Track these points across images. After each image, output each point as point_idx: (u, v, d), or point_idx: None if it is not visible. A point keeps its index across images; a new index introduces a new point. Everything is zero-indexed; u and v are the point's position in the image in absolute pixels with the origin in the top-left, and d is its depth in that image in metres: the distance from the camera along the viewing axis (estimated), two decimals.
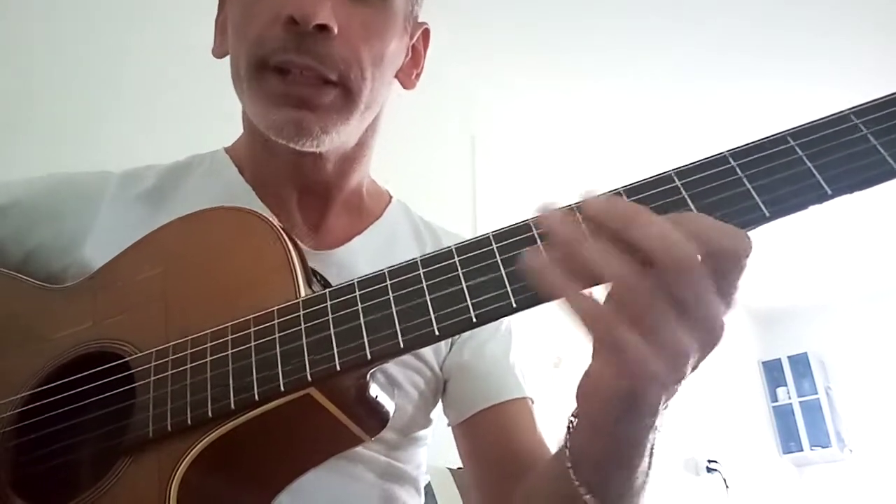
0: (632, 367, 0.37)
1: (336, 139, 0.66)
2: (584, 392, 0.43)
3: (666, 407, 0.43)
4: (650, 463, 0.47)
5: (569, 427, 0.47)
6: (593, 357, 0.41)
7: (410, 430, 0.72)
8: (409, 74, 0.77)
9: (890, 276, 4.97)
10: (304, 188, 0.72)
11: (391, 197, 0.82)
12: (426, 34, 0.78)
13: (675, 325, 0.37)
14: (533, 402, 0.74)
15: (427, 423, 0.74)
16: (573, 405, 0.45)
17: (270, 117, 0.64)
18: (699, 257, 0.37)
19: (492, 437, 0.71)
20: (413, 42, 0.75)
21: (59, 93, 2.47)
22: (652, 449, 0.46)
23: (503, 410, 0.71)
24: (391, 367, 0.64)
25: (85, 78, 2.45)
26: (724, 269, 0.38)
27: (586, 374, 0.42)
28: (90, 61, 2.41)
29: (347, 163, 0.73)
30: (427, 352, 0.71)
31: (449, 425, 0.74)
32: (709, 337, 0.39)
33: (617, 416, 0.42)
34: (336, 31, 0.61)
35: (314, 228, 0.73)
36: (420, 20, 0.76)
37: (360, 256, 0.71)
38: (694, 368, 0.40)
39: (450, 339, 0.73)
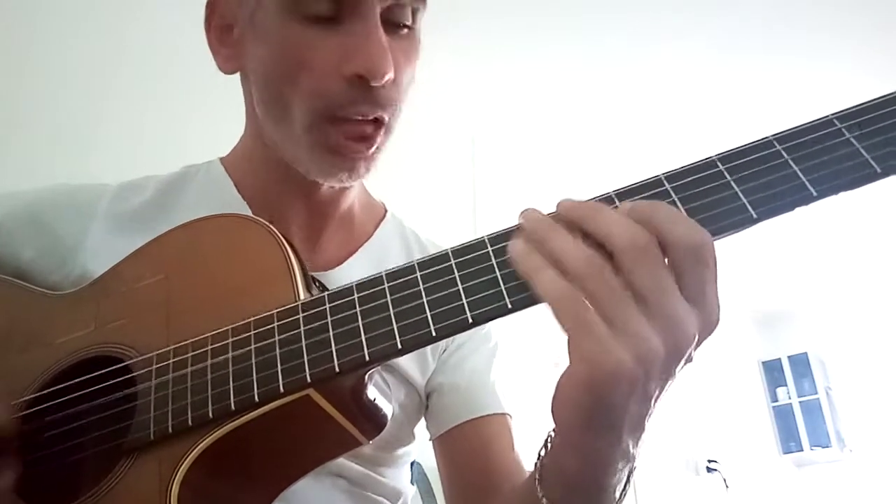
0: (594, 353, 0.38)
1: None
2: (555, 398, 0.42)
3: (638, 430, 0.42)
4: (622, 493, 0.46)
5: (546, 442, 0.47)
6: (568, 357, 0.41)
7: (393, 447, 0.72)
8: None
9: (890, 276, 4.97)
10: (305, 207, 0.71)
11: (385, 211, 0.82)
12: None
13: (636, 315, 0.38)
14: (511, 419, 0.73)
15: (410, 439, 0.74)
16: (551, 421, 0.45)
17: (326, 166, 0.65)
18: (655, 245, 0.39)
19: (467, 451, 0.71)
20: None
21: (50, 98, 2.47)
22: (625, 485, 0.45)
23: (480, 426, 0.71)
24: None
25: (76, 84, 2.45)
26: (683, 261, 0.39)
27: (560, 378, 0.41)
28: (82, 67, 2.41)
29: None
30: (413, 369, 0.71)
31: (430, 439, 0.75)
32: (672, 337, 0.38)
33: (585, 422, 0.41)
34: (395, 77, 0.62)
35: (310, 249, 0.72)
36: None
37: (352, 278, 0.71)
38: (664, 378, 0.40)
39: (437, 357, 0.74)
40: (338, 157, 0.64)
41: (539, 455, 0.48)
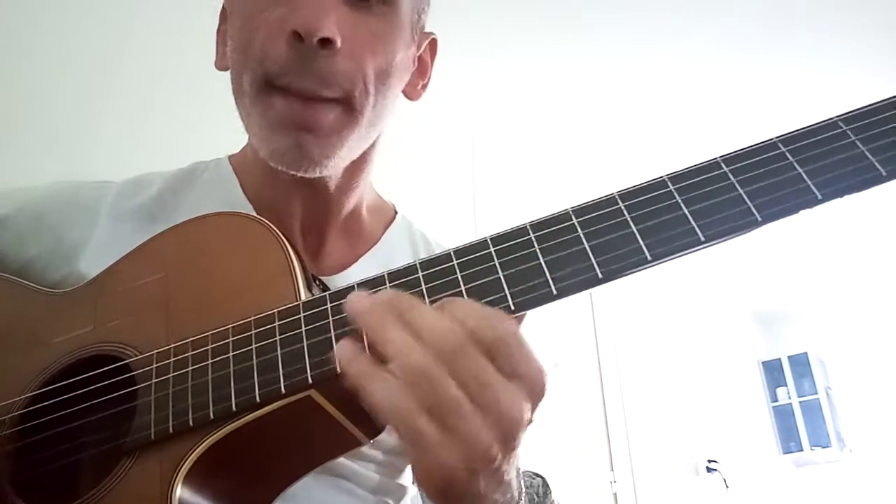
0: (428, 463, 0.38)
1: (339, 163, 0.64)
2: (417, 483, 0.41)
3: (500, 484, 0.41)
4: None
5: None
6: (405, 451, 0.40)
7: (399, 450, 0.71)
8: (414, 86, 0.74)
9: (890, 276, 4.97)
10: (306, 209, 0.70)
11: (395, 213, 0.80)
12: (433, 44, 0.76)
13: (463, 416, 0.37)
14: None
15: None
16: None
17: (271, 145, 0.61)
18: (468, 340, 0.38)
19: None
20: (420, 53, 0.73)
21: (51, 98, 2.47)
22: None
23: None
24: None
25: (77, 83, 2.45)
26: (490, 348, 0.39)
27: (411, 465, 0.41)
28: (82, 66, 2.41)
29: (349, 179, 0.70)
30: None
31: None
32: (502, 424, 0.38)
33: (446, 502, 0.40)
34: (339, 44, 0.58)
35: (314, 253, 0.71)
36: (426, 30, 0.74)
37: None
38: (507, 452, 0.39)
39: None
40: (283, 135, 0.60)
41: None
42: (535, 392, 0.40)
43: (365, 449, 0.53)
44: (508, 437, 0.38)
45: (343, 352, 0.41)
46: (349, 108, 0.61)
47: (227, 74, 0.73)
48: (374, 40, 0.62)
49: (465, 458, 0.37)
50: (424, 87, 0.76)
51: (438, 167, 3.18)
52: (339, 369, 0.40)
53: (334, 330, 0.46)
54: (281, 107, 0.60)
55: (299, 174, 0.63)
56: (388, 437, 0.52)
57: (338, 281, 0.69)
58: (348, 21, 0.60)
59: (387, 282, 0.47)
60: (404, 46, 0.67)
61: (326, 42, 0.57)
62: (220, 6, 0.72)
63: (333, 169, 0.64)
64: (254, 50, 0.60)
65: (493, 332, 0.39)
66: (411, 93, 0.74)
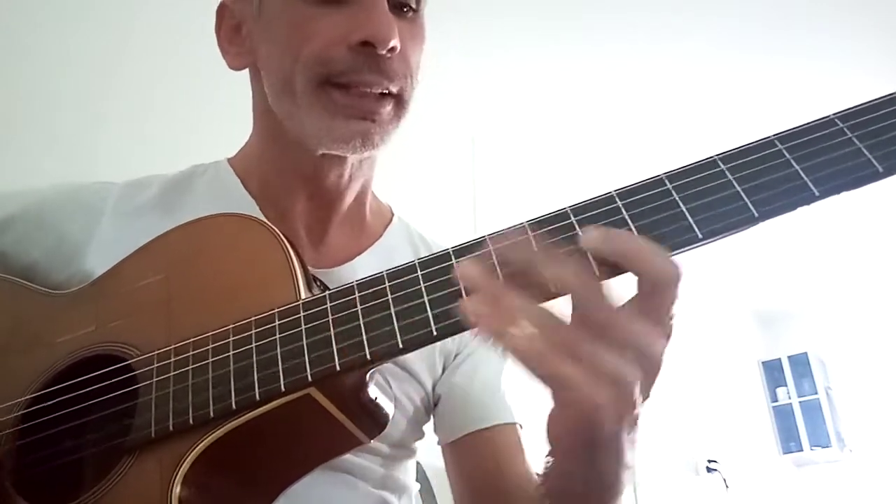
0: (575, 400, 0.38)
1: (387, 145, 0.68)
2: (549, 436, 0.43)
3: (632, 442, 0.42)
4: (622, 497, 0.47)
5: (545, 466, 0.47)
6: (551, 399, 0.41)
7: (405, 443, 0.73)
8: None
9: (890, 276, 4.97)
10: (310, 203, 0.72)
11: (393, 214, 0.82)
12: None
13: (605, 353, 0.38)
14: (522, 428, 0.74)
15: (420, 435, 0.75)
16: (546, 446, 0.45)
17: (337, 130, 0.65)
18: (598, 283, 0.39)
19: (477, 461, 0.71)
20: None
21: (51, 98, 2.47)
22: (624, 487, 0.46)
23: (490, 435, 0.71)
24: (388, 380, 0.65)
25: (77, 83, 2.45)
26: (646, 289, 0.40)
27: (548, 416, 0.42)
28: (82, 66, 2.41)
29: (357, 165, 0.72)
30: (422, 370, 0.72)
31: (439, 444, 0.75)
32: (644, 362, 0.39)
33: (580, 457, 0.41)
34: (399, 49, 0.64)
35: (316, 244, 0.73)
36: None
37: (360, 277, 0.71)
38: (646, 397, 0.41)
39: (444, 361, 0.74)
40: (349, 122, 0.65)
41: (541, 480, 0.48)
42: (668, 340, 0.41)
43: (371, 443, 0.53)
44: (650, 375, 0.39)
45: (473, 306, 0.40)
46: (400, 100, 0.67)
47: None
48: (413, 42, 0.68)
49: (611, 394, 0.38)
50: None
51: (438, 167, 3.18)
52: (471, 321, 0.40)
53: (334, 329, 0.46)
54: (342, 97, 0.64)
55: (358, 156, 0.69)
56: (391, 430, 0.53)
57: (341, 273, 0.70)
58: (398, 27, 0.65)
59: (386, 281, 0.47)
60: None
61: (393, 49, 0.63)
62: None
63: (382, 150, 0.69)
64: (309, 53, 0.64)
65: (656, 271, 0.40)
66: None
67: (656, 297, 0.40)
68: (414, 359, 0.70)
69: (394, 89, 0.66)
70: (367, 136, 0.65)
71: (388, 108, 0.66)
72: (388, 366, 0.54)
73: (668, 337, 0.41)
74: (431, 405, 0.74)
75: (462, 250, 0.46)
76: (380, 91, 0.65)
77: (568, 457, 0.43)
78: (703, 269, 4.57)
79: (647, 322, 0.40)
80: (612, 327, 0.39)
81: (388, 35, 0.62)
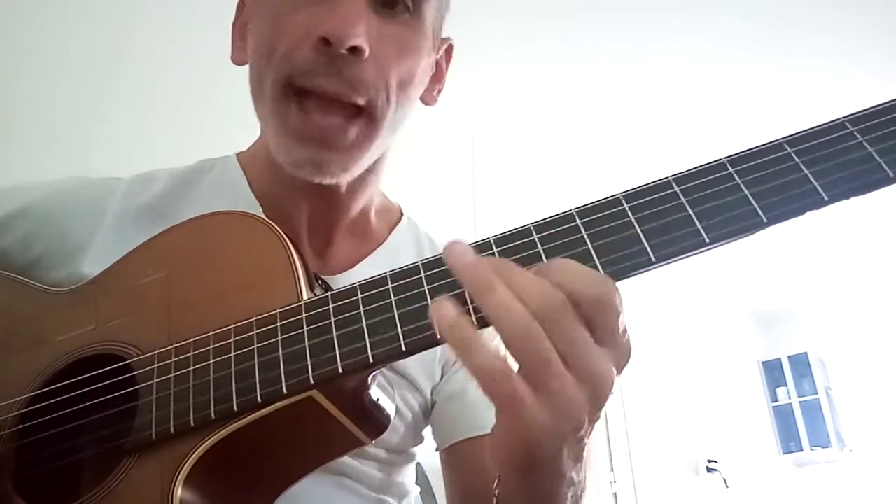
0: (519, 420, 0.38)
1: (357, 171, 0.64)
2: (493, 450, 0.43)
3: (578, 461, 0.42)
4: None
5: (494, 494, 0.47)
6: (496, 417, 0.41)
7: (404, 449, 0.72)
8: (431, 91, 0.74)
9: (890, 276, 4.97)
10: (314, 210, 0.70)
11: (402, 214, 0.80)
12: (450, 49, 0.76)
13: (557, 376, 0.38)
14: None
15: (419, 440, 0.75)
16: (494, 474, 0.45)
17: (291, 154, 0.61)
18: (566, 304, 0.39)
19: (469, 467, 0.71)
20: (437, 58, 0.73)
21: (51, 98, 2.46)
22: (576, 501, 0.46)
23: (483, 443, 0.70)
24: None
25: (77, 83, 2.45)
26: (591, 313, 0.39)
27: (492, 432, 0.42)
28: (82, 66, 2.40)
29: (359, 181, 0.70)
30: (420, 377, 0.71)
31: (436, 450, 0.75)
32: (594, 387, 0.39)
33: (525, 473, 0.41)
34: (368, 52, 0.58)
35: (320, 252, 0.71)
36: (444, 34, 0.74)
37: None
38: (592, 421, 0.40)
39: (442, 368, 0.73)
40: (303, 147, 0.60)
41: (494, 492, 0.48)
42: (623, 362, 0.41)
43: (368, 447, 0.53)
44: (597, 402, 0.39)
45: (442, 311, 0.40)
46: (371, 117, 0.61)
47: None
48: (399, 49, 0.62)
49: (555, 417, 0.38)
50: (440, 91, 0.76)
51: (438, 167, 3.18)
52: (436, 328, 0.41)
53: (336, 331, 0.46)
54: (298, 119, 0.60)
55: (315, 181, 0.63)
56: (390, 436, 0.52)
57: (343, 280, 0.69)
58: (375, 29, 0.59)
59: (389, 282, 0.46)
60: (427, 55, 0.67)
61: (355, 50, 0.57)
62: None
63: (351, 177, 0.65)
64: (278, 52, 0.60)
65: (593, 296, 0.39)
66: (428, 98, 0.74)
67: (599, 320, 0.40)
68: (413, 365, 0.70)
69: (359, 101, 0.59)
70: (319, 165, 0.60)
71: (352, 131, 0.60)
72: (386, 372, 0.53)
73: (625, 354, 0.41)
74: (429, 411, 0.74)
75: None
76: (342, 102, 0.59)
77: (511, 475, 0.43)
78: (703, 269, 4.58)
79: (594, 347, 0.39)
80: (571, 354, 0.39)
81: (346, 32, 0.56)
